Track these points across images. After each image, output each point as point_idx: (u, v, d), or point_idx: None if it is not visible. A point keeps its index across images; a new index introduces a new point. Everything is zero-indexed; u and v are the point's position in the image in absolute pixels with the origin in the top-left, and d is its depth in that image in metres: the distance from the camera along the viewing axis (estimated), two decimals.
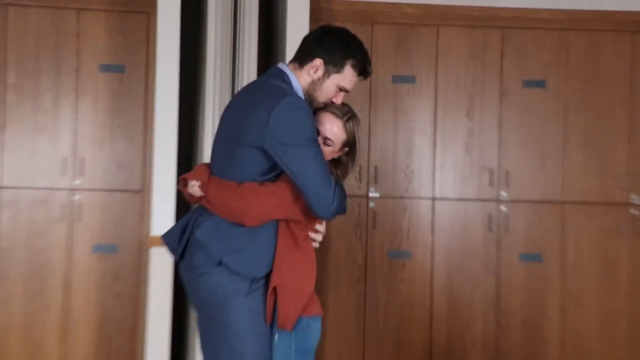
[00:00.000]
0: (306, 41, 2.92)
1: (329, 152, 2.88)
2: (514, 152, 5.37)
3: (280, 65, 2.91)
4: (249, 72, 4.89)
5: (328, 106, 2.91)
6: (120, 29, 5.17)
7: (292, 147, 2.68)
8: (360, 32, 5.22)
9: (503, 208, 5.34)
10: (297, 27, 4.92)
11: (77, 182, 5.10)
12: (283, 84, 2.82)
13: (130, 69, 5.13)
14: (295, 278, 2.72)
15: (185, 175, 2.90)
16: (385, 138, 5.35)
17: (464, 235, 5.34)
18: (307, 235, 2.85)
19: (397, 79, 5.34)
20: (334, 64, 2.86)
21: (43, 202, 5.08)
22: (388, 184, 5.33)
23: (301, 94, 2.87)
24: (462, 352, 5.31)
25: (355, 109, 4.94)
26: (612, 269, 5.36)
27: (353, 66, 2.86)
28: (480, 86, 5.38)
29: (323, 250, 5.00)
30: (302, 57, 2.88)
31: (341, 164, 2.91)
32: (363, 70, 2.88)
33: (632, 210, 5.33)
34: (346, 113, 2.90)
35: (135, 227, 5.10)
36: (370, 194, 5.28)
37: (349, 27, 5.35)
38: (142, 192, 5.09)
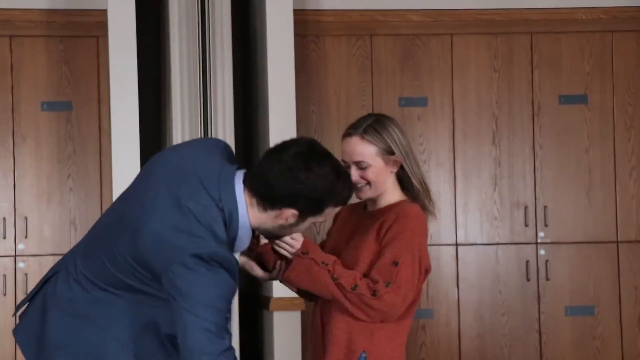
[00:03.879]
0: (273, 180, 2.61)
1: (376, 173, 2.93)
2: (552, 183, 5.36)
3: (237, 183, 2.64)
4: (223, 105, 4.94)
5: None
6: (63, 58, 5.18)
7: (189, 308, 2.50)
8: (357, 46, 5.31)
9: (542, 252, 5.32)
10: (279, 45, 4.97)
11: (21, 246, 5.11)
12: (216, 218, 2.57)
13: (78, 105, 5.13)
14: None
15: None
16: None
17: (497, 287, 5.31)
18: None
19: (405, 102, 5.35)
20: (312, 211, 2.66)
21: None
22: None
23: (246, 234, 2.66)
24: None
25: None
26: None
27: (334, 205, 2.70)
28: (507, 106, 5.37)
29: None
30: (266, 199, 2.62)
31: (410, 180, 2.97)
32: (344, 202, 2.75)
33: None
34: (359, 126, 2.97)
35: None
36: None
37: (343, 41, 5.33)
38: None
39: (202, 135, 4.84)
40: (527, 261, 5.27)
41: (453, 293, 5.26)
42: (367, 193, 2.96)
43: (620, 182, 5.33)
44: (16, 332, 2.77)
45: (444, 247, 5.29)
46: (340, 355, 2.93)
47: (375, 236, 2.94)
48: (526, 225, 5.29)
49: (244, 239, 2.63)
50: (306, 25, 5.21)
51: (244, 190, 2.61)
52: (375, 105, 5.28)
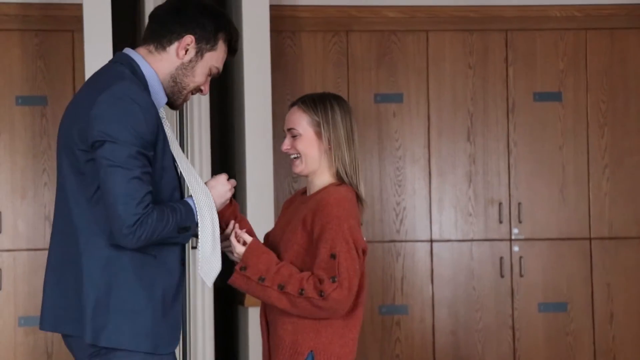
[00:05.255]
0: (163, 16, 2.83)
1: (305, 144, 2.96)
2: (526, 180, 5.44)
3: (127, 50, 2.83)
4: (199, 101, 4.97)
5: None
6: (38, 52, 5.20)
7: (106, 143, 2.60)
8: (332, 42, 5.41)
9: (516, 248, 5.40)
10: (256, 41, 5.02)
11: None
12: (126, 71, 2.75)
13: (53, 100, 5.14)
14: None
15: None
16: (369, 170, 5.40)
17: (471, 283, 5.40)
18: None
19: (381, 98, 5.41)
20: (207, 40, 2.81)
21: None
22: (375, 226, 5.41)
23: (156, 84, 2.80)
24: None
25: None
26: None
27: (225, 41, 2.83)
28: (482, 102, 5.45)
29: None
30: (162, 36, 2.80)
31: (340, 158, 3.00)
32: (234, 46, 2.87)
33: None
34: (303, 97, 3.02)
35: None
36: None
37: (319, 37, 5.40)
38: None
39: (178, 131, 4.85)
40: (501, 257, 5.35)
41: (427, 289, 5.32)
42: (299, 167, 2.97)
43: (593, 179, 5.41)
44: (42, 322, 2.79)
45: (418, 243, 5.35)
46: (286, 357, 2.92)
47: (302, 226, 2.92)
48: (500, 221, 5.36)
49: (156, 88, 2.77)
50: (282, 20, 5.24)
51: (136, 50, 2.79)
52: (351, 101, 5.29)
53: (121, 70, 2.74)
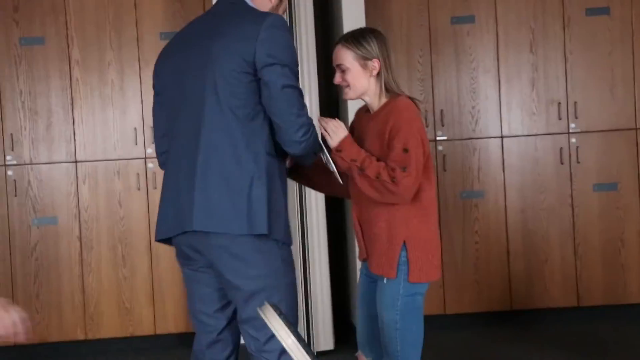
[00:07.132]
0: None
1: (354, 76, 2.99)
2: (581, 83, 5.52)
3: None
4: (307, 49, 4.97)
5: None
6: None
7: (277, 65, 2.64)
8: None
9: (574, 140, 5.50)
10: None
11: (150, 151, 5.32)
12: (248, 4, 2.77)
13: None
14: None
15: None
16: (448, 81, 5.52)
17: (536, 170, 5.52)
18: None
19: (456, 20, 5.50)
20: None
21: (119, 172, 5.33)
22: (455, 126, 5.51)
23: None
24: (541, 286, 5.53)
25: (415, 53, 5.24)
26: None
27: None
28: (541, 19, 5.51)
29: None
30: None
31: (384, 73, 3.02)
32: None
33: None
34: (345, 35, 3.02)
35: None
36: (438, 138, 5.48)
37: None
38: None
39: None
40: (561, 148, 5.48)
41: (500, 176, 5.48)
42: (349, 94, 3.03)
43: (638, 79, 5.47)
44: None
45: (491, 139, 5.49)
46: (384, 248, 2.99)
47: (379, 139, 2.96)
48: (559, 118, 5.47)
49: None
50: None
51: None
52: (430, 24, 5.41)
53: (250, 7, 2.76)
